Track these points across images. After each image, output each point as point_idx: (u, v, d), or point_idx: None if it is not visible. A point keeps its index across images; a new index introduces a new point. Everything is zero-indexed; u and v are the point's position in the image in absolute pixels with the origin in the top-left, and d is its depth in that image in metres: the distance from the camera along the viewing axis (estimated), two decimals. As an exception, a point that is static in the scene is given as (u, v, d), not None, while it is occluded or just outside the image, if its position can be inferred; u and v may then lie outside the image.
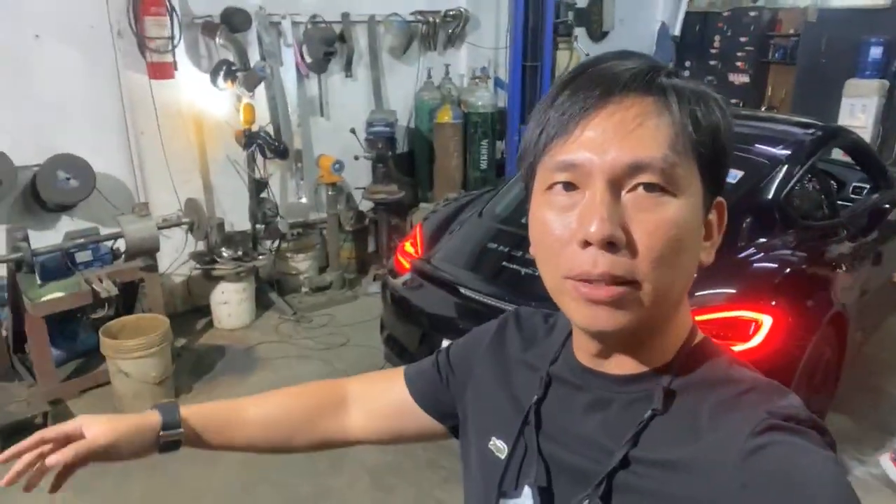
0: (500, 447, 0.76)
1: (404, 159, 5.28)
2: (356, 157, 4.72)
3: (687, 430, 0.61)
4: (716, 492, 0.57)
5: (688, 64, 7.95)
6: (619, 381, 0.67)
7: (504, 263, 2.66)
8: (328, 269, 4.70)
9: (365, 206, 5.01)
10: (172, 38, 3.73)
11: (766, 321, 2.16)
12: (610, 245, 0.58)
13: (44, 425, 3.00)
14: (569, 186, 0.61)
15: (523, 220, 2.67)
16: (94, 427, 0.82)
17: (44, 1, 3.47)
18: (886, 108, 6.36)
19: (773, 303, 2.25)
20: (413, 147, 5.34)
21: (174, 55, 3.77)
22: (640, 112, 0.59)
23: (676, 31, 7.60)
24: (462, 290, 2.62)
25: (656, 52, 7.45)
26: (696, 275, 0.64)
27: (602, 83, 0.60)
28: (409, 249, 3.07)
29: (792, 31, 7.31)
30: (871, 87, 6.18)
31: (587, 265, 0.59)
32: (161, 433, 0.86)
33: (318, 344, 3.94)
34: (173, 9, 3.72)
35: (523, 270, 2.57)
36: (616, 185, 0.59)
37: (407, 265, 2.95)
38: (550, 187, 0.62)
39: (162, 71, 3.73)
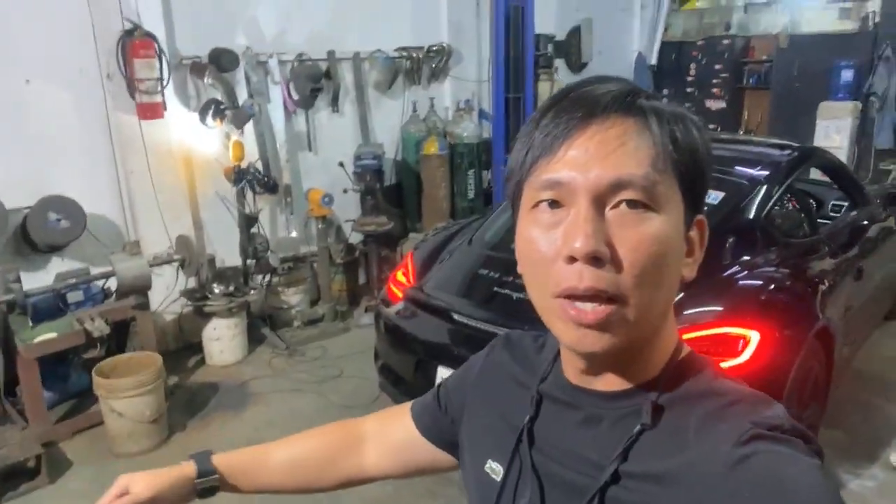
0: (495, 469, 0.78)
1: (392, 191, 5.34)
2: (345, 191, 4.77)
3: (674, 443, 0.63)
4: (704, 502, 0.58)
5: (665, 92, 8.15)
6: (608, 398, 0.68)
7: (496, 289, 2.70)
8: (320, 301, 4.71)
9: (354, 238, 5.06)
10: (161, 79, 3.80)
11: (754, 337, 2.21)
12: (595, 260, 0.59)
13: (37, 469, 2.97)
14: (554, 204, 0.63)
15: (512, 247, 2.72)
16: (137, 484, 0.90)
17: (34, 46, 3.53)
18: (860, 128, 6.55)
19: (760, 319, 2.30)
20: (401, 179, 5.42)
21: (163, 95, 3.84)
22: (622, 132, 0.61)
23: (653, 61, 7.82)
24: (456, 317, 2.65)
25: (634, 80, 7.62)
26: (679, 291, 0.66)
27: (584, 105, 0.63)
28: (401, 279, 3.10)
29: (765, 57, 7.55)
30: (845, 109, 6.37)
31: (573, 280, 0.60)
32: (197, 480, 0.93)
33: (311, 377, 3.94)
34: (162, 51, 3.79)
35: (515, 295, 2.60)
36: (600, 202, 0.61)
37: (400, 294, 2.98)
38: (536, 205, 0.64)
39: (151, 111, 3.79)
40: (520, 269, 0.68)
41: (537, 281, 0.65)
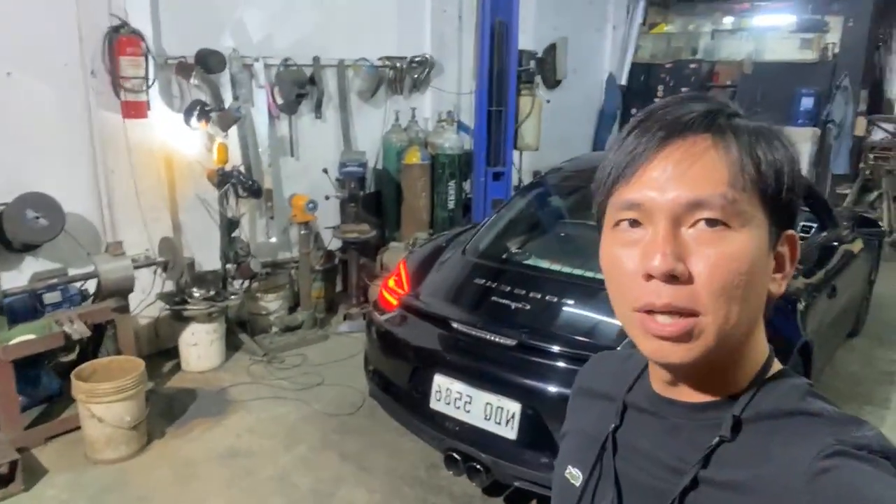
0: (575, 475, 0.81)
1: (371, 199, 5.34)
2: (327, 197, 4.75)
3: (756, 455, 0.64)
4: None
5: (634, 111, 8.38)
6: (691, 409, 0.70)
7: (493, 298, 2.74)
8: (298, 308, 4.66)
9: (333, 245, 5.03)
10: (147, 77, 3.73)
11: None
12: (672, 278, 0.61)
13: (11, 475, 2.85)
14: (634, 223, 0.65)
15: (504, 256, 2.78)
16: None
17: (17, 37, 3.42)
18: (818, 153, 6.88)
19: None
20: (380, 187, 5.42)
21: (148, 95, 3.76)
22: (698, 151, 0.63)
23: (623, 81, 8.03)
24: (453, 324, 2.68)
25: (605, 99, 7.85)
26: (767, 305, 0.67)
27: (665, 126, 0.65)
28: (393, 286, 3.11)
29: (729, 82, 7.86)
30: (805, 135, 6.68)
31: (651, 297, 0.63)
32: None
33: (292, 384, 3.89)
34: (148, 49, 3.73)
35: (512, 304, 2.65)
36: (677, 221, 0.62)
37: (394, 301, 2.99)
38: (617, 224, 0.67)
39: (136, 110, 3.71)
40: (606, 284, 0.71)
41: (619, 295, 0.67)
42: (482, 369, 2.55)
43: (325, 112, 4.97)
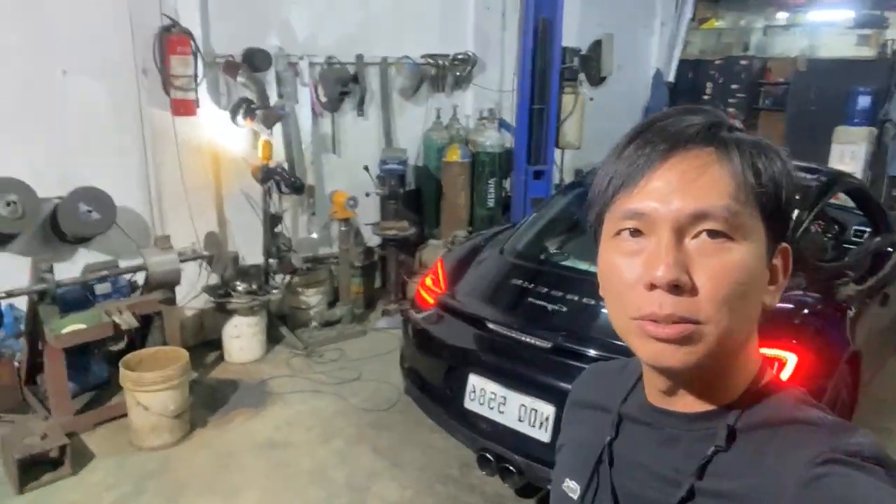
0: (573, 487, 0.81)
1: (411, 196, 5.37)
2: (367, 194, 4.81)
3: (751, 464, 0.64)
4: None
5: (681, 109, 8.21)
6: (687, 419, 0.70)
7: (530, 299, 2.73)
8: (338, 303, 4.73)
9: (373, 241, 5.08)
10: (196, 76, 3.83)
11: (791, 359, 2.23)
12: (675, 288, 0.62)
13: (60, 460, 2.98)
14: (635, 233, 0.65)
15: (542, 257, 2.75)
16: None
17: (72, 38, 3.55)
18: (874, 154, 6.61)
19: (795, 341, 2.33)
20: (420, 185, 5.44)
21: (197, 92, 3.86)
22: (702, 163, 0.63)
23: (670, 78, 7.86)
24: (489, 325, 2.67)
25: (651, 97, 7.70)
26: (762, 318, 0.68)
27: (667, 137, 0.65)
28: (430, 284, 3.12)
29: (782, 80, 7.62)
30: (860, 134, 6.43)
31: (654, 307, 0.63)
32: None
33: (330, 378, 3.95)
34: (198, 48, 3.82)
35: (550, 306, 2.63)
36: (680, 232, 0.63)
37: (430, 300, 3.00)
38: (618, 233, 0.67)
39: (185, 108, 3.82)
40: (601, 292, 0.71)
41: (617, 303, 0.67)
42: (517, 371, 2.54)
43: (368, 109, 5.01)
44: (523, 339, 2.57)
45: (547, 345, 2.51)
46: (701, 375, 0.67)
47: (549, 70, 4.99)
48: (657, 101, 7.71)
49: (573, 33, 6.17)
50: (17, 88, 3.42)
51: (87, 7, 3.56)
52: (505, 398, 2.54)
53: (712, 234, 0.62)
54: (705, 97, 8.09)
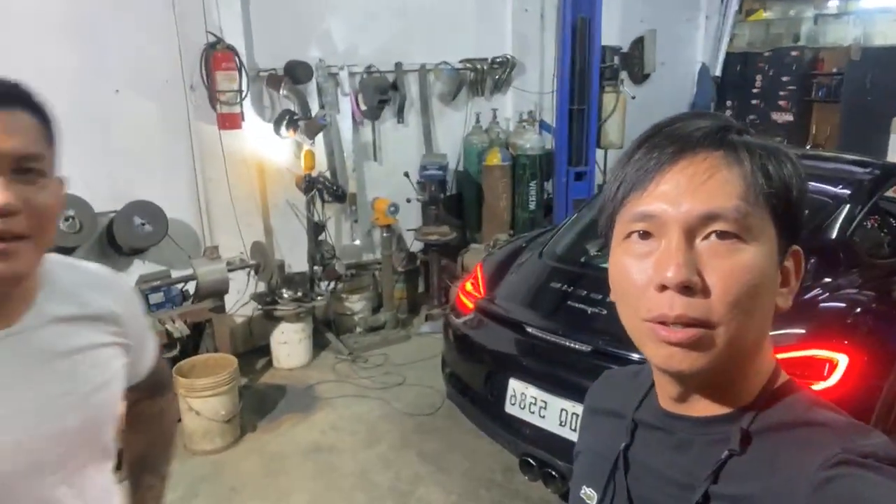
0: (590, 495, 0.82)
1: (452, 201, 5.40)
2: (408, 200, 4.85)
3: (764, 467, 0.64)
4: None
5: (729, 103, 8.00)
6: (700, 423, 0.70)
7: (569, 303, 2.71)
8: (381, 309, 4.79)
9: (415, 247, 5.13)
10: (241, 90, 3.95)
11: (842, 360, 2.15)
12: (686, 289, 0.62)
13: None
14: (645, 235, 0.66)
15: (582, 260, 2.71)
16: None
17: (125, 58, 3.72)
18: (936, 145, 6.28)
19: (847, 342, 2.24)
20: (461, 189, 5.47)
21: (241, 106, 3.98)
22: (712, 166, 0.64)
23: (717, 72, 7.67)
24: (528, 329, 2.67)
25: (697, 92, 7.53)
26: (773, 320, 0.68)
27: (676, 141, 0.66)
28: (470, 289, 3.14)
29: (835, 70, 7.32)
30: (921, 124, 6.12)
31: (664, 308, 0.63)
32: None
33: (375, 383, 4.01)
34: (242, 63, 3.95)
35: (589, 309, 2.61)
36: (690, 233, 0.63)
37: (470, 305, 3.01)
38: (628, 236, 0.68)
39: (230, 121, 3.94)
40: (612, 296, 0.72)
41: (628, 306, 0.68)
42: (557, 375, 2.53)
43: (407, 116, 5.07)
44: (563, 343, 2.56)
45: (587, 349, 2.49)
46: (713, 379, 0.67)
47: (589, 70, 4.94)
48: (704, 96, 7.52)
49: (614, 31, 6.09)
50: (74, 107, 3.57)
51: (138, 28, 3.72)
52: (546, 403, 2.53)
53: (722, 235, 0.63)
54: (755, 90, 7.85)
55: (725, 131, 0.66)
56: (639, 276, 0.66)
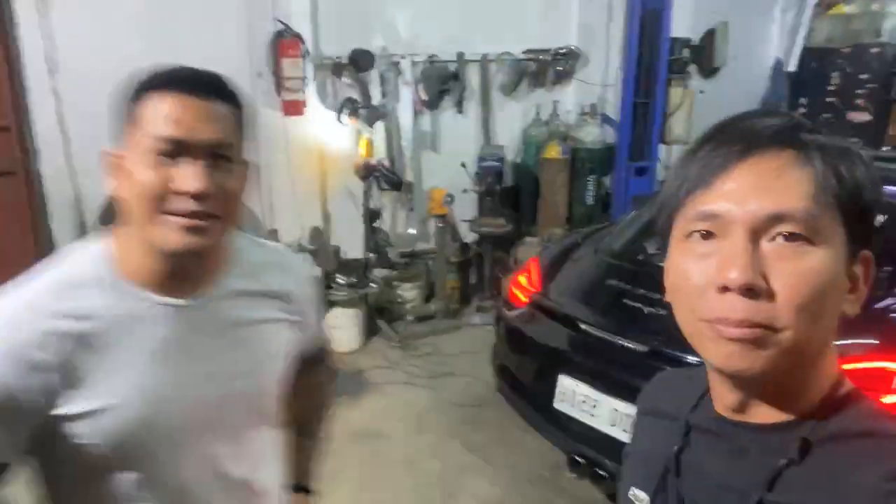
0: (640, 497, 0.80)
1: (508, 193, 5.35)
2: (465, 191, 4.85)
3: (824, 477, 0.62)
4: None
5: (803, 101, 7.65)
6: (758, 430, 0.68)
7: (625, 301, 2.65)
8: (433, 298, 4.81)
9: (469, 238, 5.12)
10: (305, 77, 4.02)
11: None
12: (749, 292, 0.60)
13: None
14: (707, 235, 0.64)
15: (641, 257, 2.64)
16: None
17: (198, 46, 3.79)
18: None
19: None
20: (518, 182, 5.42)
21: (305, 93, 4.06)
22: (781, 165, 0.61)
23: (792, 68, 7.34)
24: (582, 326, 2.63)
25: (769, 88, 7.24)
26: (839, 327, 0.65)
27: (743, 138, 0.63)
28: (524, 282, 3.11)
29: (921, 67, 6.91)
30: None
31: (726, 310, 0.61)
32: None
33: (424, 372, 4.04)
34: (307, 51, 4.01)
35: (646, 309, 2.55)
36: (755, 234, 0.61)
37: (524, 298, 2.99)
38: (689, 235, 0.65)
39: (295, 108, 4.02)
40: (668, 297, 0.70)
41: (686, 306, 0.66)
42: (610, 374, 2.48)
43: (467, 107, 5.05)
44: (618, 341, 2.51)
45: (643, 349, 2.43)
46: (773, 385, 0.65)
47: (656, 62, 4.82)
48: (776, 93, 7.23)
49: (683, 23, 5.90)
50: (147, 92, 3.74)
51: (210, 16, 3.84)
52: (597, 401, 2.49)
53: (790, 237, 0.60)
54: (830, 88, 7.48)
55: (796, 130, 0.64)
56: (699, 277, 0.63)
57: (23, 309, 0.89)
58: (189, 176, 0.87)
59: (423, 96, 4.79)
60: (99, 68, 3.46)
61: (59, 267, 0.95)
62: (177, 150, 0.87)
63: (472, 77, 5.04)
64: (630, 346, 2.47)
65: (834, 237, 0.62)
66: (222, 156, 0.91)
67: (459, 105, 5.00)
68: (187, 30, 3.78)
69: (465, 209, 5.03)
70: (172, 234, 0.88)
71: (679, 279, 0.66)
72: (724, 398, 0.70)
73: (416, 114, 4.83)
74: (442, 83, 4.78)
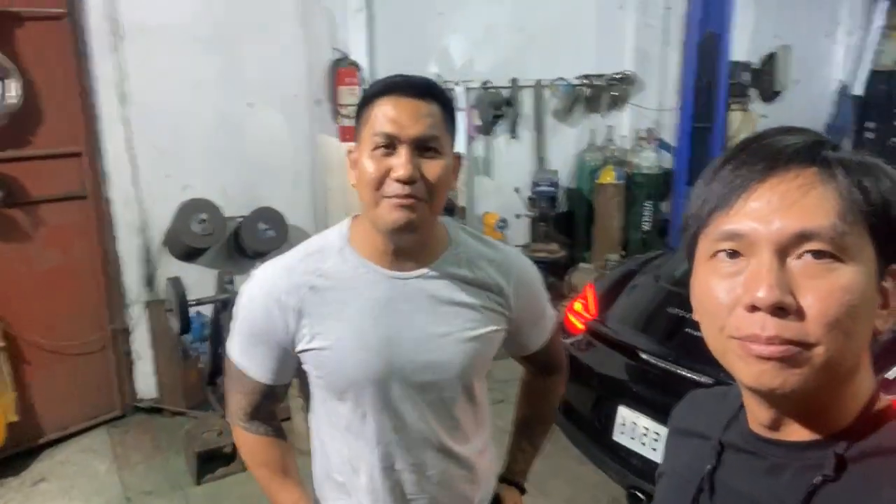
0: None
1: (562, 219, 5.31)
2: (517, 216, 4.83)
3: (859, 493, 0.61)
4: None
5: (870, 125, 7.36)
6: (793, 448, 0.67)
7: (686, 329, 2.55)
8: (486, 324, 4.76)
9: (523, 263, 5.07)
10: (362, 104, 4.09)
11: None
12: (779, 310, 0.59)
13: (233, 455, 3.27)
14: (733, 254, 0.63)
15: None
16: None
17: (258, 73, 3.96)
18: None
19: None
20: (572, 207, 5.37)
21: (361, 120, 4.12)
22: (805, 183, 0.61)
23: (858, 91, 7.08)
24: (642, 355, 2.55)
25: (834, 112, 6.99)
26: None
27: (766, 157, 0.63)
28: (580, 309, 3.04)
29: None
30: None
31: (756, 328, 0.60)
32: None
33: (476, 399, 3.97)
34: (364, 78, 4.09)
35: (710, 339, 2.45)
36: (782, 252, 0.60)
37: (580, 326, 2.92)
38: (714, 255, 0.65)
39: (351, 134, 4.07)
40: (695, 316, 0.69)
41: (713, 326, 0.65)
42: (672, 406, 2.38)
43: (521, 132, 5.05)
44: (680, 372, 2.42)
45: (707, 380, 2.33)
46: (807, 403, 0.64)
47: (716, 86, 4.72)
48: (842, 116, 6.98)
49: (744, 46, 5.79)
50: (211, 119, 3.87)
51: (270, 44, 3.95)
52: (658, 434, 2.40)
53: (817, 254, 0.60)
54: (900, 111, 7.17)
55: (818, 147, 0.63)
56: (726, 296, 0.63)
57: (281, 266, 1.20)
58: (399, 165, 1.05)
59: (478, 122, 4.81)
60: (167, 98, 3.63)
61: (313, 239, 1.26)
62: (391, 143, 1.06)
63: (526, 102, 5.04)
64: (695, 377, 2.37)
65: (862, 253, 0.61)
66: (429, 147, 1.07)
67: (513, 130, 5.00)
68: (251, 57, 3.91)
69: (519, 234, 5.00)
70: (387, 213, 1.07)
71: (706, 298, 0.66)
72: (757, 415, 0.69)
73: (470, 139, 4.85)
74: (495, 109, 4.79)
